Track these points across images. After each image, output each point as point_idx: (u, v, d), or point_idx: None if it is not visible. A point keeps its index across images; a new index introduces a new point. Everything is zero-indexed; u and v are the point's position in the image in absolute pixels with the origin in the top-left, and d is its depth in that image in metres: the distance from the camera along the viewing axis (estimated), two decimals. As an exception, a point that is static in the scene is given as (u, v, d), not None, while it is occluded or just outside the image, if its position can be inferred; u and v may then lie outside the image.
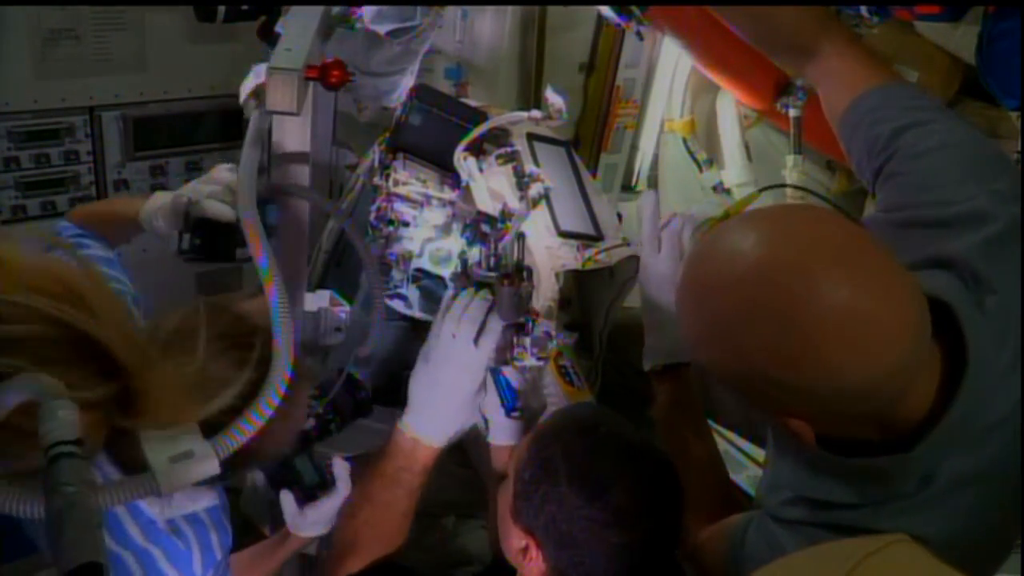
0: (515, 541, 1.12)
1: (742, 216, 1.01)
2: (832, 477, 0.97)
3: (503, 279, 1.21)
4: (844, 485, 0.96)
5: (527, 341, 1.24)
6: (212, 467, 0.77)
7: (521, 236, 1.25)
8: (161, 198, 1.27)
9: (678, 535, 1.11)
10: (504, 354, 1.25)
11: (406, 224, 1.43)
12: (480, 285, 1.23)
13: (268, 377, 0.83)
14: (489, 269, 1.24)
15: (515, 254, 1.25)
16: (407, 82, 1.44)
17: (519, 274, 1.23)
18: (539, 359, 1.25)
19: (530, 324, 1.24)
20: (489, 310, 1.21)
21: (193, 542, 1.06)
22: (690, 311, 0.92)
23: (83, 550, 0.60)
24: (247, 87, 1.07)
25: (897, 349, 0.82)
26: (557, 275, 1.43)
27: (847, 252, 0.83)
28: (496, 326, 1.20)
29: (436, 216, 1.44)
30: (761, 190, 1.32)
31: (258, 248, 0.88)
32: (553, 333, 1.26)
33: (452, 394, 1.21)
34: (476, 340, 1.19)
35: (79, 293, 0.74)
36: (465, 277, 1.26)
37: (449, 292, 1.24)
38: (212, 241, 1.23)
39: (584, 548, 1.06)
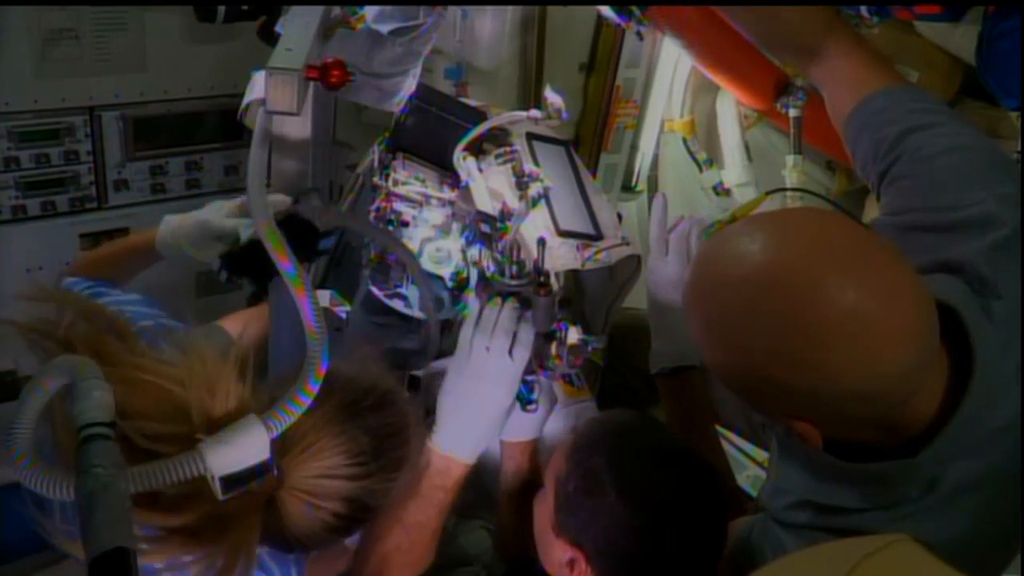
0: (559, 554, 1.11)
1: (749, 219, 1.02)
2: (837, 481, 0.96)
3: (539, 288, 1.19)
4: (849, 489, 0.96)
5: (563, 349, 1.21)
6: (263, 444, 0.77)
7: (542, 242, 1.24)
8: (176, 221, 1.29)
9: (724, 540, 1.11)
10: (531, 362, 1.23)
11: (405, 224, 1.43)
12: (506, 294, 1.21)
13: (300, 376, 0.82)
14: (512, 277, 1.22)
15: (540, 260, 1.23)
16: (409, 85, 1.43)
17: (547, 281, 1.21)
18: (573, 367, 1.22)
19: (565, 330, 1.22)
20: (518, 319, 1.18)
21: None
22: (695, 312, 0.92)
23: (114, 534, 0.60)
24: (249, 98, 1.08)
25: (903, 353, 0.81)
26: (557, 275, 1.42)
27: (853, 255, 0.83)
28: (529, 336, 1.17)
29: (435, 216, 1.44)
30: (767, 193, 1.32)
31: (283, 257, 0.86)
32: (588, 339, 1.24)
33: (488, 409, 1.18)
34: (510, 351, 1.17)
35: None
36: (487, 286, 1.23)
37: (475, 304, 1.21)
38: (257, 263, 1.24)
39: (637, 559, 1.06)
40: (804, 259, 0.83)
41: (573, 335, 1.21)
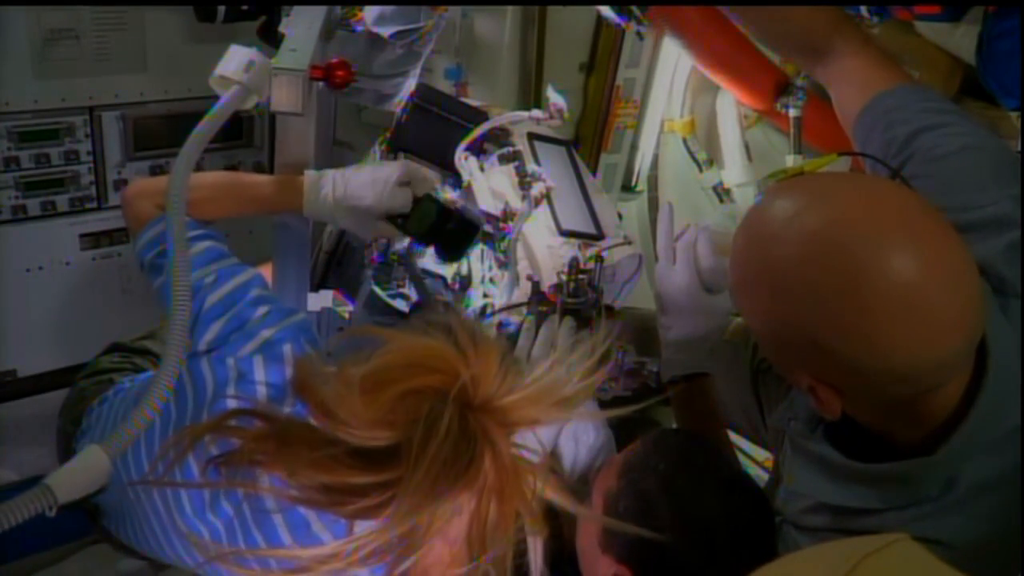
0: (604, 570, 1.10)
1: (823, 174, 0.99)
2: (854, 483, 0.96)
3: (605, 311, 1.17)
4: (867, 490, 0.95)
5: (620, 372, 1.20)
6: (104, 470, 0.78)
7: (599, 259, 1.23)
8: (329, 197, 1.21)
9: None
10: None
11: (407, 224, 1.43)
12: (563, 312, 1.20)
13: (159, 370, 0.85)
14: (569, 295, 1.21)
15: (596, 280, 1.22)
16: (409, 85, 1.44)
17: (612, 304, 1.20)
18: (628, 390, 1.22)
19: (623, 354, 1.21)
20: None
21: None
22: (752, 254, 0.89)
23: None
24: (228, 68, 1.08)
25: (952, 340, 0.81)
26: (558, 274, 1.42)
27: (927, 233, 0.82)
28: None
29: (437, 216, 1.44)
30: (840, 154, 1.29)
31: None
32: (644, 362, 1.23)
33: (545, 431, 1.17)
34: None
35: None
36: (543, 303, 1.22)
37: (528, 320, 1.21)
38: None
39: None
40: (876, 226, 0.81)
41: (630, 358, 1.20)
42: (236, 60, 1.07)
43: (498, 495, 0.82)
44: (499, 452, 0.81)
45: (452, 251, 1.30)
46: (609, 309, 1.20)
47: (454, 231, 1.28)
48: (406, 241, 1.42)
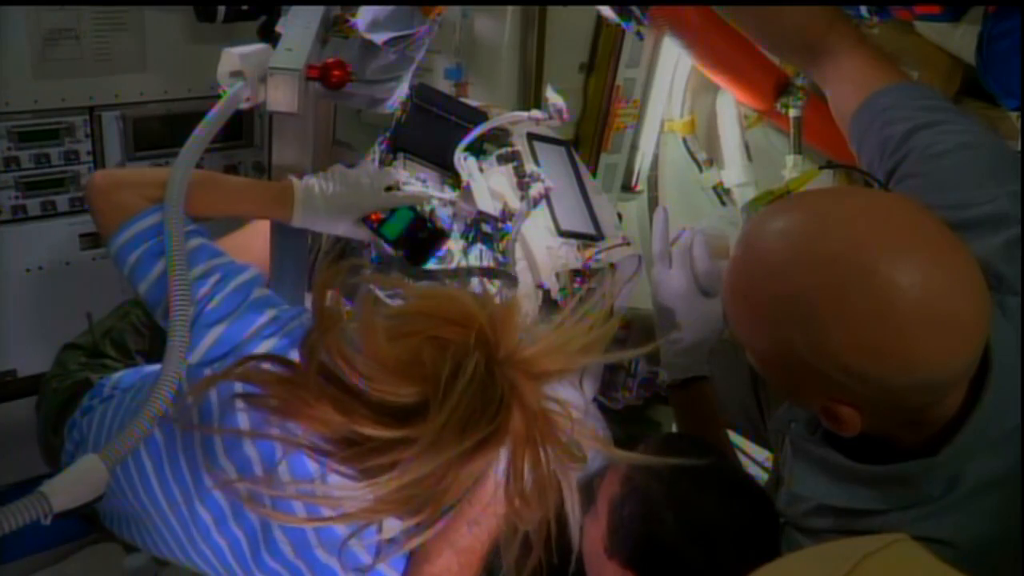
0: (609, 575, 1.10)
1: (818, 191, 0.98)
2: (857, 484, 0.95)
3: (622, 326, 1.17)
4: (869, 491, 0.95)
5: (633, 381, 1.19)
6: (101, 480, 0.79)
7: (612, 266, 1.22)
8: (319, 201, 1.20)
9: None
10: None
11: (407, 224, 1.43)
12: None
13: (159, 377, 0.87)
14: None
15: (608, 289, 1.22)
16: (402, 89, 1.44)
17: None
18: (641, 399, 1.20)
19: (636, 362, 1.20)
20: None
21: None
22: (765, 287, 0.86)
23: None
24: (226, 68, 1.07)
25: (974, 343, 0.81)
26: (557, 275, 1.42)
27: (939, 242, 0.82)
28: (599, 367, 1.15)
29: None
30: (822, 167, 1.27)
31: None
32: (658, 371, 1.22)
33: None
34: (580, 382, 1.14)
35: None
36: (554, 309, 1.22)
37: None
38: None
39: None
40: (898, 243, 0.80)
41: (643, 368, 1.19)
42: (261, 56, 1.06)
43: (531, 446, 0.82)
44: (527, 403, 0.82)
45: (420, 257, 1.32)
46: (625, 323, 1.19)
47: (424, 240, 1.30)
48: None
